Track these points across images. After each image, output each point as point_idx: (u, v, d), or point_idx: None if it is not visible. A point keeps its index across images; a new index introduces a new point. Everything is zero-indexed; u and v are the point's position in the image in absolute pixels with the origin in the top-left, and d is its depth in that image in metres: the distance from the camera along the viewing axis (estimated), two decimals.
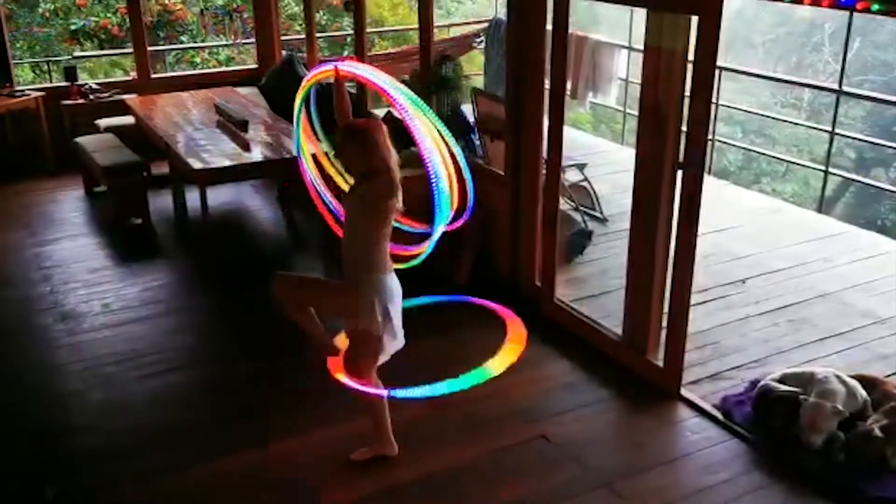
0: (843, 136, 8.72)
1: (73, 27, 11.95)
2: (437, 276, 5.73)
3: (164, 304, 5.55)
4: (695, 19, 3.84)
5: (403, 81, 6.23)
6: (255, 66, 9.13)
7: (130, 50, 9.03)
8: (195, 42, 12.40)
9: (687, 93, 4.05)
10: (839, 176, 10.86)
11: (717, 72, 4.64)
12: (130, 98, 7.88)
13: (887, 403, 4.00)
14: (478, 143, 6.19)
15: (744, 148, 13.30)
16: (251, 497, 3.78)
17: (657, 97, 4.21)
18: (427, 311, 5.32)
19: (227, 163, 5.92)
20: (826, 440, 3.85)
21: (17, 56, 11.29)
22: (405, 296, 3.68)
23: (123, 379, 4.67)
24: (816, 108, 16.27)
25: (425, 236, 3.62)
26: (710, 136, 6.64)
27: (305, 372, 4.22)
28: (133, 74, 8.73)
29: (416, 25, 6.33)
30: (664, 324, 4.43)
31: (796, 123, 14.63)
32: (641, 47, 4.37)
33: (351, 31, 8.46)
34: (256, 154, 6.11)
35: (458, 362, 4.72)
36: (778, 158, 13.69)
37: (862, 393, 4.06)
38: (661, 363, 4.45)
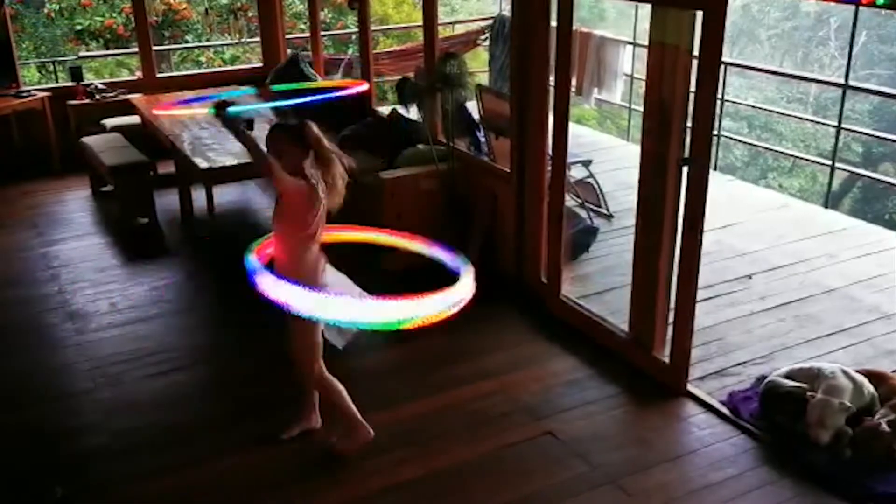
0: (849, 130, 8.68)
1: (78, 27, 11.99)
2: (443, 272, 5.76)
3: (171, 303, 5.56)
4: (699, 14, 3.83)
5: (408, 79, 6.28)
6: (259, 64, 9.14)
7: (136, 49, 9.04)
8: (200, 41, 12.42)
9: (692, 88, 4.05)
10: (846, 171, 10.83)
11: (722, 67, 4.64)
12: (136, 98, 7.90)
13: (895, 398, 4.00)
14: (483, 140, 6.19)
15: (749, 143, 13.28)
16: (258, 494, 3.79)
17: (662, 93, 4.21)
18: None
19: (233, 162, 5.92)
20: (833, 436, 3.85)
21: (22, 56, 11.32)
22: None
23: (131, 378, 4.68)
24: (823, 103, 16.24)
25: None
26: (715, 132, 6.63)
27: None
28: (138, 74, 8.76)
29: (421, 23, 6.33)
30: (670, 320, 4.43)
31: (802, 118, 14.60)
32: (646, 43, 4.37)
33: (355, 29, 8.46)
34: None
35: (458, 360, 4.77)
36: (784, 153, 13.67)
37: (869, 388, 4.05)
38: (667, 359, 4.45)
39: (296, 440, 4.07)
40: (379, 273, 5.72)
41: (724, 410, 4.23)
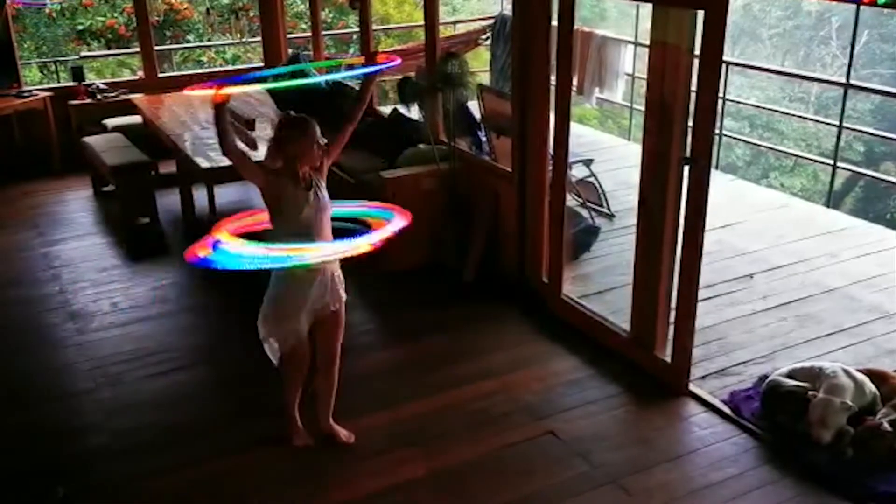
0: (851, 129, 8.68)
1: (79, 27, 12.01)
2: (445, 272, 5.77)
3: (172, 303, 5.56)
4: (701, 13, 3.83)
5: (409, 78, 6.28)
6: (260, 64, 9.14)
7: (137, 49, 9.05)
8: (201, 41, 12.43)
9: (693, 88, 4.04)
10: (848, 170, 10.81)
11: (723, 66, 4.63)
12: (137, 97, 7.90)
13: None
14: (484, 139, 6.19)
15: (751, 143, 13.27)
16: (258, 494, 3.79)
17: (663, 92, 4.20)
18: (428, 310, 5.36)
19: None
20: (835, 435, 3.84)
21: (24, 56, 11.32)
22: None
23: (131, 378, 4.68)
24: (824, 102, 16.22)
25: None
26: (716, 131, 6.63)
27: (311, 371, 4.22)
28: (140, 74, 8.76)
29: (422, 22, 6.33)
30: (671, 319, 4.43)
31: (804, 118, 14.59)
32: (647, 42, 4.36)
33: (357, 29, 8.46)
34: (263, 152, 6.10)
35: (460, 360, 4.77)
36: (785, 153, 13.65)
37: (871, 387, 4.05)
38: (668, 359, 4.44)
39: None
40: (379, 273, 5.73)
41: (726, 410, 4.22)
